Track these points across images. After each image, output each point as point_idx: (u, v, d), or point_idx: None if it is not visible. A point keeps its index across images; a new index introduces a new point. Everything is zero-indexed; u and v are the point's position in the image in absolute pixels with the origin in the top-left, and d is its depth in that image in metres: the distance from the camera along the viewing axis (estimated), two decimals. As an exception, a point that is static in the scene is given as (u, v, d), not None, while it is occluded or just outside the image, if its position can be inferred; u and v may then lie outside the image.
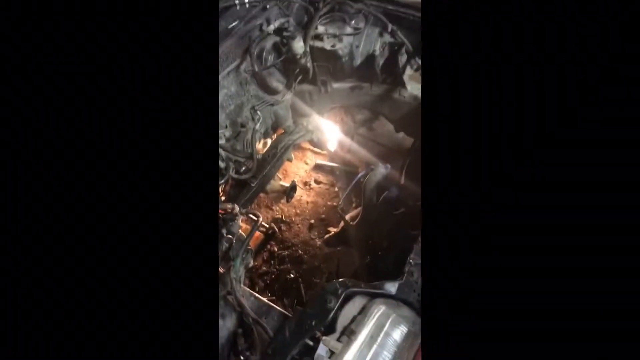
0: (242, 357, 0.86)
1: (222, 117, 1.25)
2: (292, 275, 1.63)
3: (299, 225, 1.80)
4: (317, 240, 1.71)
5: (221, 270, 1.05)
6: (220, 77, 1.16)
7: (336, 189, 1.89)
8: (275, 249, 1.75)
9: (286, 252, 1.72)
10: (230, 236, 1.13)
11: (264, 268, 1.72)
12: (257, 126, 1.30)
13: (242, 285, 1.03)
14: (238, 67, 1.22)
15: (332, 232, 1.61)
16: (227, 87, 1.22)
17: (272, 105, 1.40)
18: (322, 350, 0.70)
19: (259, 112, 1.32)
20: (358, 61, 1.31)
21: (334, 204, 1.83)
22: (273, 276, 1.67)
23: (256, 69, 1.25)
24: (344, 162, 1.82)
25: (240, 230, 1.16)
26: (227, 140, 1.28)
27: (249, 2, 1.22)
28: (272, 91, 1.36)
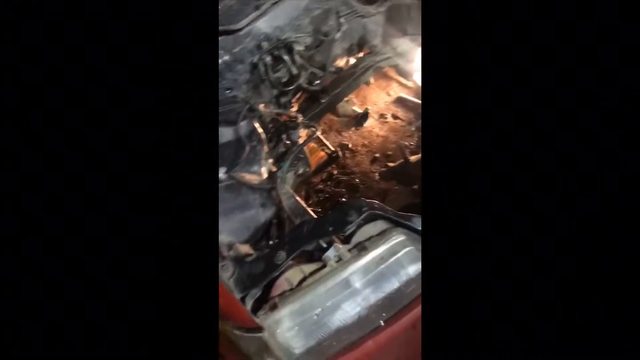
0: (270, 242, 1.00)
1: (306, 22, 1.23)
2: (344, 200, 1.71)
3: (363, 156, 1.80)
4: (376, 175, 1.71)
5: (273, 168, 1.16)
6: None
7: (413, 129, 1.78)
8: (335, 172, 1.82)
9: (344, 178, 1.78)
10: (288, 142, 1.21)
11: (320, 186, 1.83)
12: (338, 35, 1.25)
13: (287, 186, 1.13)
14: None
15: (390, 166, 1.58)
16: (316, -12, 1.18)
17: (362, 17, 1.31)
18: (331, 253, 0.76)
19: (344, 21, 1.26)
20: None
21: (406, 143, 1.75)
22: (327, 195, 1.77)
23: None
24: (430, 100, 1.67)
25: (299, 140, 1.24)
26: (307, 48, 1.28)
27: None
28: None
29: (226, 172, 1.01)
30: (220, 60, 1.13)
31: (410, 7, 1.28)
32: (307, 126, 1.22)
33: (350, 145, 1.85)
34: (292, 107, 1.43)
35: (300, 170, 1.21)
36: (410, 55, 1.44)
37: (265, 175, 1.12)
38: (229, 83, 1.19)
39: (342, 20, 1.23)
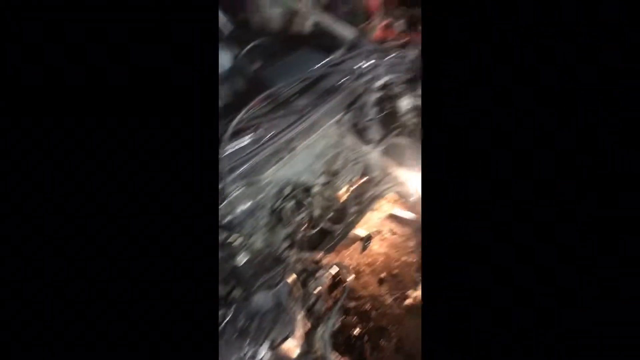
0: None
1: (319, 165, 1.36)
2: (357, 331, 1.64)
3: (369, 277, 1.82)
4: (387, 297, 1.71)
5: (308, 326, 1.09)
6: (324, 128, 1.28)
7: (411, 245, 1.88)
8: (338, 296, 1.78)
9: (353, 304, 1.74)
10: (316, 290, 1.19)
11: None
12: (345, 172, 1.39)
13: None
14: (340, 119, 1.34)
15: (410, 297, 1.60)
16: (329, 137, 1.34)
17: (364, 155, 1.49)
18: None
19: (350, 161, 1.41)
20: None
21: (409, 259, 1.83)
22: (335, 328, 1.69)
23: (358, 123, 1.36)
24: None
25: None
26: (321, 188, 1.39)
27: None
28: (368, 142, 1.45)
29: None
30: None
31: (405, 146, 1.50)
32: (339, 267, 1.22)
33: (352, 266, 1.86)
34: (303, 242, 1.45)
35: (337, 325, 1.15)
36: (410, 182, 1.62)
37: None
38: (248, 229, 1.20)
39: (349, 162, 1.38)
